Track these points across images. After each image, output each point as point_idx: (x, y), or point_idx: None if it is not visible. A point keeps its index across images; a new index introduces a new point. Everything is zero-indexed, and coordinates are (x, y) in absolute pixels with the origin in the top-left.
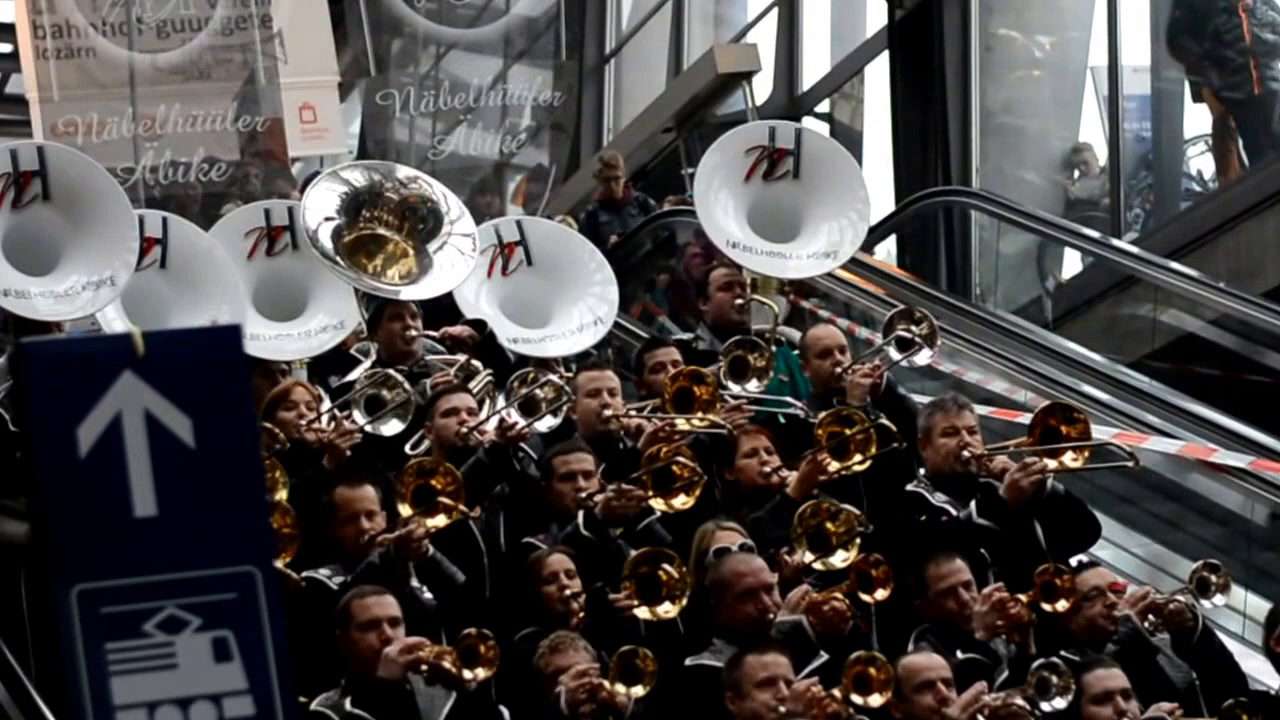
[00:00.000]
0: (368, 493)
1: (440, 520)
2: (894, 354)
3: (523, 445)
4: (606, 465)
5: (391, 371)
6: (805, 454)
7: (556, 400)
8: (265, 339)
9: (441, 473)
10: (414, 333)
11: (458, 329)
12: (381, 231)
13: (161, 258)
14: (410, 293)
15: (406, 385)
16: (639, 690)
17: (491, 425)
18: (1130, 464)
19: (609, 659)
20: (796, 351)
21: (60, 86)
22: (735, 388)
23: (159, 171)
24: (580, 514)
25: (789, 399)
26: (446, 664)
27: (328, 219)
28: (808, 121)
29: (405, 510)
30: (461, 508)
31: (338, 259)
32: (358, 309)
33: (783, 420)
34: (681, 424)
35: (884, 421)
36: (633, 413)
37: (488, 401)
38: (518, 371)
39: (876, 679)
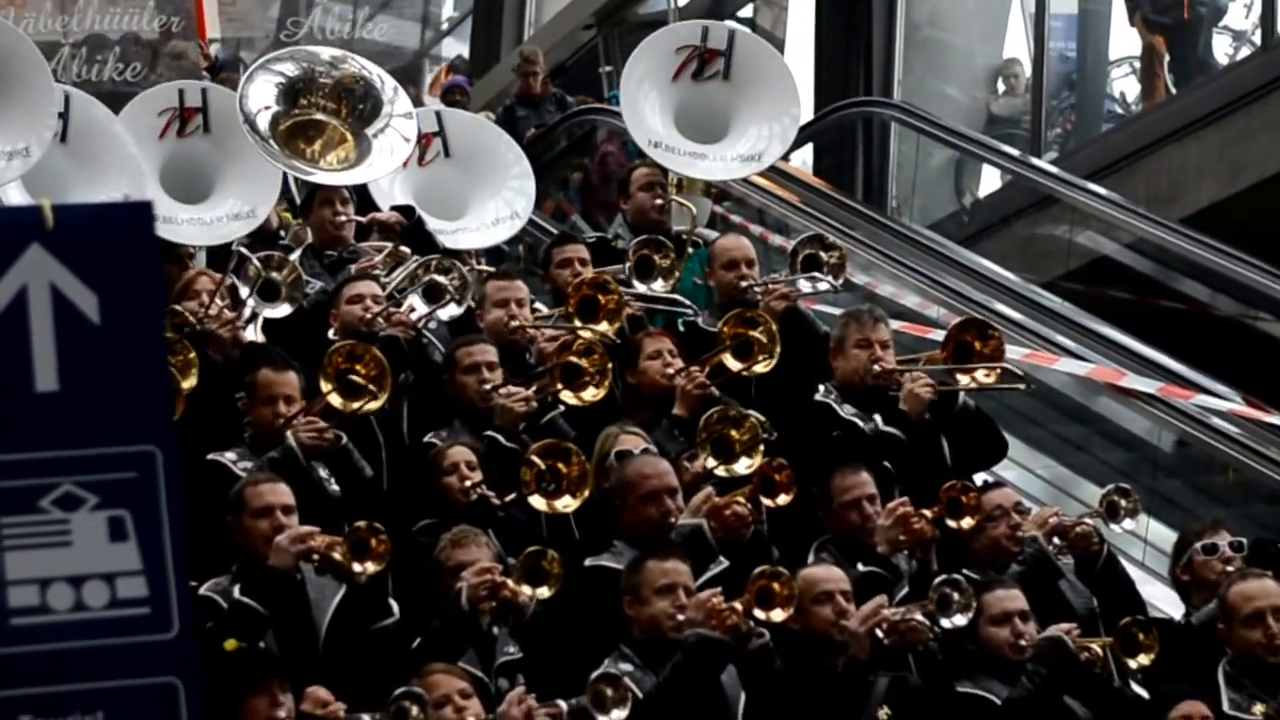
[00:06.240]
0: (290, 378)
1: (368, 405)
2: (804, 286)
3: (428, 335)
4: (513, 375)
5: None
6: (708, 355)
7: (462, 288)
8: (178, 222)
9: (367, 360)
10: (344, 218)
11: (385, 215)
12: (319, 116)
13: (62, 132)
14: (346, 178)
15: (295, 263)
16: (544, 591)
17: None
18: (1021, 387)
19: (502, 552)
20: None
21: None
22: (641, 287)
23: (76, 62)
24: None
25: (683, 300)
26: (337, 555)
27: (266, 107)
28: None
29: (325, 386)
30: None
31: (272, 144)
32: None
33: (682, 328)
34: (585, 335)
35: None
36: (540, 323)
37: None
38: (422, 259)
39: (779, 594)
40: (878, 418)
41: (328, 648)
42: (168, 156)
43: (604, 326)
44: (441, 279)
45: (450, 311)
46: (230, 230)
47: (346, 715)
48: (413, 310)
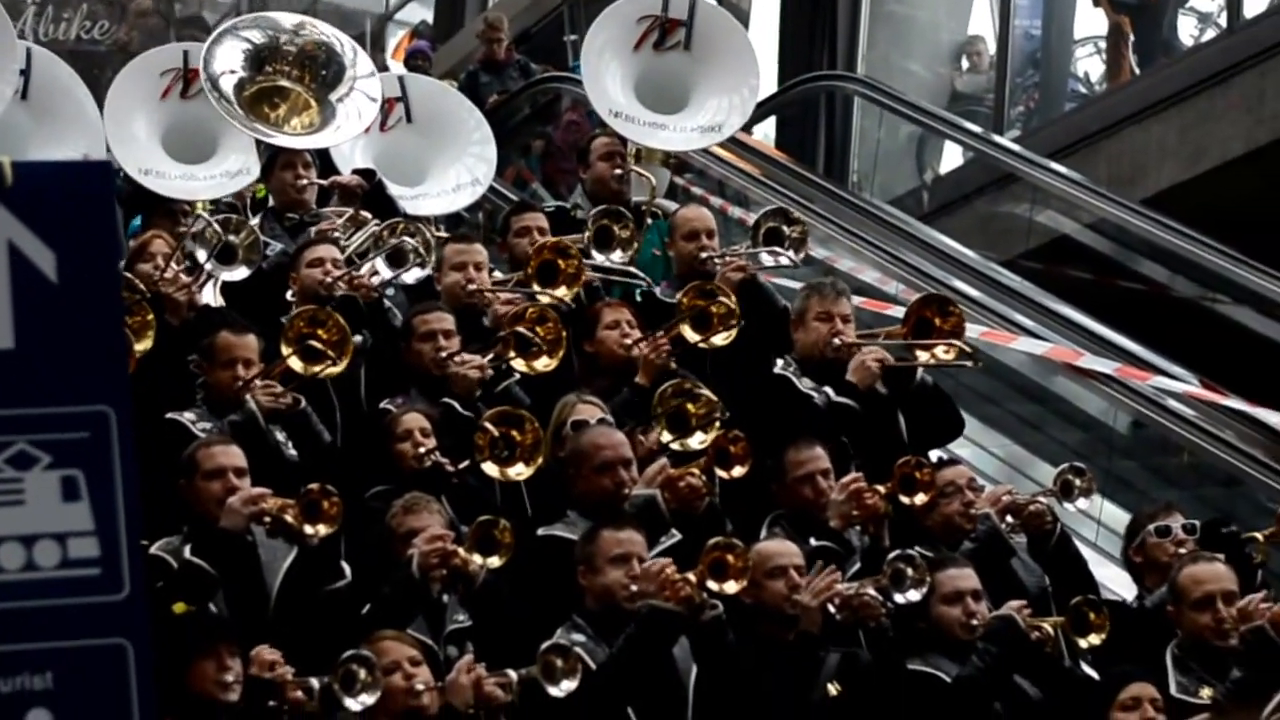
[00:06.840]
0: (249, 341)
1: (328, 370)
2: (765, 259)
3: (387, 299)
4: (470, 338)
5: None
6: (667, 325)
7: (425, 252)
8: (171, 178)
9: (329, 325)
10: (305, 181)
11: (346, 178)
12: (284, 84)
13: (23, 89)
14: (311, 142)
15: (253, 225)
16: (495, 561)
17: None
18: (969, 364)
19: (454, 519)
20: None
21: None
22: (600, 258)
23: (42, 20)
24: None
25: (638, 273)
26: (288, 518)
27: (231, 71)
28: None
29: (286, 350)
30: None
31: (236, 108)
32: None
33: (639, 298)
34: (543, 299)
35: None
36: (497, 287)
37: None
38: (386, 222)
39: (733, 565)
40: (829, 389)
41: (278, 610)
42: (170, 117)
43: (562, 291)
44: (408, 240)
45: (415, 274)
46: (222, 186)
47: (295, 679)
48: (376, 274)
